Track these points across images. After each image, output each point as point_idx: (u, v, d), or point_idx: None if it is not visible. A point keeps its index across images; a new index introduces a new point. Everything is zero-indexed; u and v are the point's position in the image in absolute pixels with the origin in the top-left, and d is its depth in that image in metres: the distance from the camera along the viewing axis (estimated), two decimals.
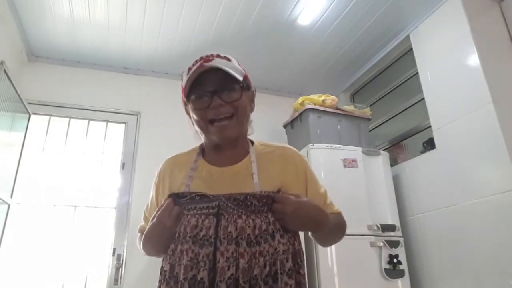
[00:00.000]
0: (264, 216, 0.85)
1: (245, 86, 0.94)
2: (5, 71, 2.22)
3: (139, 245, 1.07)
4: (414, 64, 2.69)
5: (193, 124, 0.97)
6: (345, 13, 2.54)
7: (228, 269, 0.78)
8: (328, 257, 2.21)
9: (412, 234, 2.51)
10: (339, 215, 1.04)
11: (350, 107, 2.91)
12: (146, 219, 1.08)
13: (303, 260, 0.92)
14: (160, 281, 0.89)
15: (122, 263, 2.56)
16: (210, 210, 0.85)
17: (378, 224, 2.33)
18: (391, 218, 2.44)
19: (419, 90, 2.63)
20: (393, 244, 2.32)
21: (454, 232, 2.20)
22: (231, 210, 0.84)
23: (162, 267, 0.90)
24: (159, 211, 0.90)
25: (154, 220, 0.91)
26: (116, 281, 2.52)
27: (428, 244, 2.39)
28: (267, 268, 0.80)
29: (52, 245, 2.54)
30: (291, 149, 1.04)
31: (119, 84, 3.09)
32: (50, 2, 2.35)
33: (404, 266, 2.31)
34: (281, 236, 0.85)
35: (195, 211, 0.87)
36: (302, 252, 0.92)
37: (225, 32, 2.69)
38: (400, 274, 2.28)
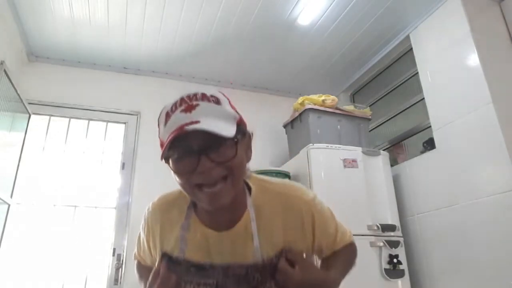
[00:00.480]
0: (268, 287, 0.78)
1: (240, 135, 0.74)
2: (5, 71, 2.22)
3: (139, 280, 1.03)
4: (414, 64, 2.69)
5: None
6: (345, 13, 2.54)
7: None
8: None
9: (412, 234, 2.51)
10: (350, 246, 0.98)
11: (350, 107, 2.91)
12: (139, 255, 1.03)
13: None
14: None
15: (122, 263, 2.56)
16: None
17: (378, 224, 2.33)
18: (391, 218, 2.44)
19: (419, 90, 2.63)
20: (393, 244, 2.32)
21: (454, 232, 2.20)
22: None
23: None
24: (156, 285, 0.78)
25: None
26: (116, 281, 2.52)
27: (428, 244, 2.39)
28: None
29: (52, 245, 2.54)
30: (295, 197, 0.86)
31: (119, 84, 3.09)
32: (50, 2, 2.35)
33: (404, 266, 2.31)
34: None
35: (191, 286, 0.78)
36: None
37: (225, 32, 2.69)
38: (400, 274, 2.28)
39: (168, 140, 0.68)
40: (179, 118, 0.69)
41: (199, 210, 0.85)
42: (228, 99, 0.77)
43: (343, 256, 0.94)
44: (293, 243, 0.82)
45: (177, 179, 0.74)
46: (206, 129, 0.66)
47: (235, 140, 0.71)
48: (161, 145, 0.74)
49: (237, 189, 0.78)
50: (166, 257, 0.82)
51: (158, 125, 0.78)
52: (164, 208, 0.89)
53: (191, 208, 0.85)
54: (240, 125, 0.75)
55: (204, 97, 0.73)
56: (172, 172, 0.74)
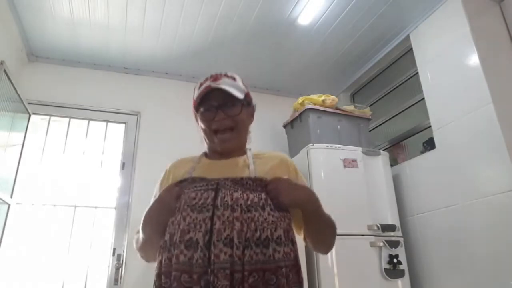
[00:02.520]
0: (258, 193, 0.94)
1: (245, 103, 1.08)
2: (5, 71, 2.22)
3: (135, 243, 1.09)
4: (414, 64, 2.69)
5: (199, 130, 1.11)
6: (345, 13, 2.54)
7: (224, 230, 0.86)
8: (328, 257, 2.21)
9: (412, 234, 2.51)
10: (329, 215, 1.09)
11: (350, 107, 2.91)
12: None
13: (294, 239, 0.97)
14: (160, 251, 0.94)
15: (122, 263, 2.56)
16: (209, 186, 0.94)
17: (378, 224, 2.33)
18: (391, 218, 2.44)
19: (419, 90, 2.63)
20: (393, 244, 2.32)
21: (454, 232, 2.20)
22: (228, 187, 0.93)
23: (162, 242, 0.95)
24: (161, 192, 1.00)
25: (156, 200, 1.00)
26: (116, 281, 2.52)
27: (428, 244, 2.39)
28: (258, 233, 0.88)
29: (52, 245, 2.54)
30: (284, 156, 1.14)
31: (119, 84, 3.09)
32: (50, 2, 2.35)
33: (404, 266, 2.31)
34: (271, 209, 0.92)
35: (195, 188, 0.95)
36: (293, 232, 0.98)
37: (225, 32, 2.69)
38: (400, 274, 2.28)
39: (200, 95, 1.03)
40: (207, 86, 1.03)
41: (209, 155, 1.13)
42: (242, 79, 1.11)
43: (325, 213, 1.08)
44: None
45: (202, 125, 1.07)
46: (224, 88, 1.01)
47: (242, 102, 1.05)
48: (194, 103, 1.09)
49: (240, 140, 1.09)
50: (174, 183, 1.02)
51: (194, 92, 1.09)
52: (180, 160, 1.16)
53: (203, 156, 1.14)
54: (247, 97, 1.10)
55: (225, 75, 1.07)
56: (199, 120, 1.08)
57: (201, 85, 1.06)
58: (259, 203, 0.91)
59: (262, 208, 0.91)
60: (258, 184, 0.96)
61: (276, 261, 0.87)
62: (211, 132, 1.06)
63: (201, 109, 1.06)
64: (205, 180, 0.97)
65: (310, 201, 1.00)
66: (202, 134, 1.10)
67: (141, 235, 1.02)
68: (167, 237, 0.93)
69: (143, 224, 1.00)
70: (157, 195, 1.08)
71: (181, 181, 1.00)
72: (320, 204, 1.02)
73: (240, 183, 0.95)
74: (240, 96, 1.04)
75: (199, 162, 1.11)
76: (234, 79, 1.08)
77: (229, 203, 0.89)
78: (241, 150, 1.11)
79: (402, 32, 2.77)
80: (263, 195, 0.94)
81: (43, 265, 2.48)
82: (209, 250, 0.85)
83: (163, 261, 0.91)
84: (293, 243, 0.96)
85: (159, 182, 1.14)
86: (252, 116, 1.15)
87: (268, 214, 0.91)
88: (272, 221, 0.91)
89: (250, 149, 1.13)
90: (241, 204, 0.90)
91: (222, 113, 1.03)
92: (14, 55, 2.64)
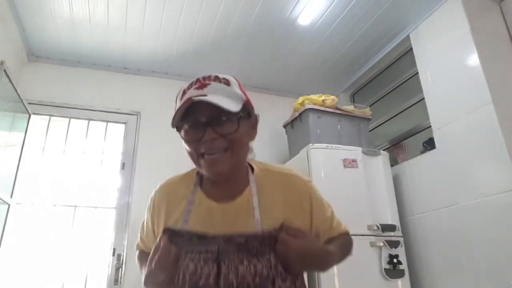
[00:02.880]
0: (266, 259, 0.80)
1: (244, 114, 0.84)
2: (5, 71, 2.22)
3: (139, 266, 1.03)
4: (414, 64, 2.69)
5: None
6: (345, 13, 2.54)
7: None
8: None
9: (412, 234, 2.51)
10: (346, 235, 1.01)
11: (350, 107, 2.91)
12: (142, 240, 1.05)
13: None
14: None
15: (122, 263, 2.56)
16: (209, 255, 0.80)
17: (378, 224, 2.33)
18: (391, 218, 2.43)
19: (419, 90, 2.63)
20: (393, 244, 2.32)
21: (454, 232, 2.20)
22: (232, 255, 0.79)
23: None
24: (158, 255, 0.83)
25: (153, 265, 0.83)
26: (116, 281, 2.52)
27: (428, 244, 2.39)
28: None
29: (52, 245, 2.54)
30: (294, 176, 0.94)
31: (119, 84, 3.09)
32: (50, 2, 2.35)
33: (404, 266, 2.31)
34: (282, 280, 0.80)
35: (193, 255, 0.81)
36: None
37: (225, 32, 2.69)
38: (400, 274, 2.28)
39: (177, 108, 0.79)
40: (191, 93, 0.80)
41: (204, 185, 0.91)
42: (238, 83, 0.86)
43: (340, 242, 0.97)
44: (292, 220, 0.85)
45: (186, 147, 0.83)
46: (210, 101, 0.75)
47: (238, 116, 0.80)
48: (173, 119, 0.81)
49: (237, 161, 0.85)
50: (168, 230, 0.86)
51: (176, 101, 0.86)
52: (171, 187, 0.96)
53: (197, 185, 0.92)
54: (246, 106, 0.85)
55: (216, 78, 0.83)
56: (182, 141, 0.83)
57: (184, 93, 0.83)
58: (268, 277, 0.78)
59: (272, 283, 0.78)
60: (266, 244, 0.81)
61: None
62: (198, 156, 0.82)
63: (185, 126, 0.81)
64: (204, 241, 0.81)
65: (323, 267, 0.90)
66: (188, 155, 0.86)
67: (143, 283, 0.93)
68: None
69: (145, 284, 0.90)
70: (149, 223, 0.97)
71: (174, 233, 0.84)
72: (334, 258, 0.90)
73: (245, 248, 0.79)
74: (235, 108, 0.79)
75: (194, 201, 0.89)
76: (227, 83, 0.83)
77: (234, 284, 0.76)
78: (240, 176, 0.89)
79: (402, 32, 2.76)
80: (273, 260, 0.80)
81: (43, 265, 2.48)
82: None
83: None
84: None
85: (148, 211, 0.98)
86: (254, 129, 0.90)
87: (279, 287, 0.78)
88: None
89: (252, 169, 0.93)
90: (248, 284, 0.76)
91: (212, 131, 0.78)
92: (14, 55, 2.64)
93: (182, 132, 0.82)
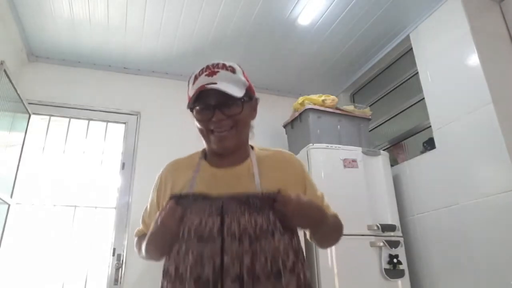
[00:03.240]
0: (266, 215, 0.87)
1: (246, 99, 0.97)
2: (5, 71, 2.22)
3: (137, 250, 1.07)
4: (414, 64, 2.69)
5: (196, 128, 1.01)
6: (345, 13, 2.54)
7: (233, 265, 0.81)
8: (328, 257, 2.21)
9: (412, 234, 2.51)
10: (335, 217, 1.06)
11: (350, 107, 2.91)
12: (145, 223, 1.09)
13: (304, 257, 0.93)
14: (164, 282, 0.89)
15: (122, 263, 2.56)
16: (213, 209, 0.87)
17: (378, 224, 2.33)
18: (391, 218, 2.44)
19: (419, 90, 2.63)
20: (393, 244, 2.32)
21: (454, 232, 2.20)
22: (234, 209, 0.86)
23: (165, 269, 0.90)
24: (163, 214, 0.90)
25: (158, 223, 0.90)
26: (116, 281, 2.52)
27: (428, 244, 2.39)
28: (269, 265, 0.82)
29: (52, 245, 2.54)
30: (289, 153, 1.07)
31: (119, 84, 3.09)
32: (50, 2, 2.35)
33: (404, 266, 2.31)
34: (281, 234, 0.87)
35: (198, 210, 0.88)
36: (302, 250, 0.94)
37: (225, 32, 2.69)
38: (400, 274, 2.28)
39: (194, 94, 0.91)
40: (203, 80, 0.92)
41: (209, 158, 1.03)
42: (242, 70, 1.01)
43: (332, 219, 1.02)
44: (288, 189, 0.92)
45: (198, 125, 0.97)
46: (220, 89, 0.89)
47: (242, 100, 0.94)
48: (189, 99, 0.95)
49: (241, 138, 0.99)
50: (173, 195, 0.93)
51: (188, 84, 0.99)
52: (177, 163, 1.07)
53: (202, 158, 1.04)
54: (249, 91, 0.98)
55: (224, 66, 0.97)
56: (194, 119, 0.97)
57: (196, 78, 0.96)
58: (268, 229, 0.86)
59: (272, 235, 0.86)
60: (266, 202, 0.89)
61: None
62: (208, 133, 0.96)
63: (197, 108, 0.95)
64: (208, 200, 0.89)
65: (317, 222, 0.94)
66: (198, 132, 1.01)
67: (144, 249, 0.98)
68: (172, 268, 0.88)
69: (147, 245, 0.95)
70: (154, 201, 1.05)
71: (180, 196, 0.92)
72: (328, 220, 0.97)
73: (247, 203, 0.88)
74: (240, 94, 0.92)
75: (199, 169, 1.00)
76: (233, 70, 0.98)
77: (237, 234, 0.83)
78: (242, 149, 1.01)
79: (402, 32, 2.76)
80: (271, 217, 0.88)
81: (43, 265, 2.48)
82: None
83: None
84: (304, 259, 0.91)
85: (155, 187, 1.06)
86: (255, 110, 1.04)
87: (279, 241, 0.86)
88: (284, 248, 0.86)
89: (252, 148, 1.05)
90: (249, 234, 0.84)
91: (220, 113, 0.92)
92: (14, 55, 2.64)
93: (195, 112, 0.96)
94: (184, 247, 0.86)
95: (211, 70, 0.95)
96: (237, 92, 0.92)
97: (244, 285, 0.79)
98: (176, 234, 0.88)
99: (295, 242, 0.92)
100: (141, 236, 1.10)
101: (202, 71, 0.96)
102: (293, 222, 0.90)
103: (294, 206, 0.87)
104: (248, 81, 1.00)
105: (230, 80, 0.94)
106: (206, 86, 0.90)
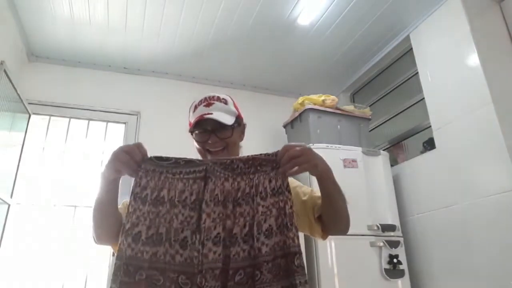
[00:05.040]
0: (250, 178, 0.92)
1: (236, 125, 1.15)
2: (5, 71, 2.22)
3: (92, 219, 1.06)
4: (414, 64, 2.69)
5: (195, 147, 1.18)
6: (345, 13, 2.54)
7: (215, 228, 0.87)
8: (328, 257, 2.21)
9: (412, 234, 2.51)
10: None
11: (350, 107, 2.91)
12: None
13: (292, 222, 0.89)
14: (125, 240, 0.87)
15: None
16: (197, 174, 0.93)
17: (378, 224, 2.33)
18: (391, 218, 2.44)
19: (419, 90, 2.63)
20: (393, 244, 2.32)
21: (454, 232, 2.20)
22: (218, 173, 0.92)
23: (130, 227, 0.88)
24: (123, 148, 0.94)
25: (113, 155, 0.92)
26: None
27: (428, 244, 2.39)
28: (247, 228, 0.88)
29: (52, 245, 2.54)
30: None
31: (119, 84, 3.09)
32: (50, 2, 2.35)
33: (404, 266, 2.31)
34: (261, 199, 0.90)
35: (181, 175, 0.93)
36: (292, 215, 0.90)
37: (225, 32, 2.69)
38: (400, 274, 2.28)
39: (194, 121, 1.11)
40: (201, 110, 1.12)
41: None
42: (233, 101, 1.20)
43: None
44: None
45: (197, 145, 1.15)
46: (216, 119, 1.09)
47: (232, 127, 1.13)
48: (190, 125, 1.15)
49: (232, 156, 1.09)
50: (154, 156, 0.96)
51: (189, 111, 1.18)
52: None
53: None
54: (238, 118, 1.17)
55: (218, 98, 1.16)
56: (194, 141, 1.16)
57: (195, 107, 1.14)
58: (250, 193, 0.91)
59: (252, 199, 0.90)
60: (250, 165, 0.93)
61: (263, 255, 0.86)
62: (205, 152, 1.14)
63: (196, 132, 1.13)
64: (191, 164, 0.94)
65: (328, 169, 1.02)
66: (197, 152, 1.17)
67: (95, 203, 1.00)
68: (153, 229, 0.88)
69: (94, 212, 1.00)
70: None
71: (161, 158, 0.95)
72: (327, 166, 1.05)
73: (230, 167, 0.93)
74: (231, 122, 1.11)
75: None
76: (226, 102, 1.16)
77: (220, 198, 0.89)
78: None
79: (402, 32, 2.76)
80: (255, 180, 0.91)
81: (43, 265, 2.48)
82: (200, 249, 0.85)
83: (145, 253, 0.86)
84: (288, 228, 0.88)
85: None
86: (243, 133, 1.23)
87: (258, 204, 0.90)
88: (262, 212, 0.89)
89: None
90: (233, 198, 0.90)
91: (215, 136, 1.11)
92: (14, 55, 2.63)
93: (194, 136, 1.15)
94: (169, 212, 0.89)
95: (208, 101, 1.14)
96: (228, 120, 1.11)
97: (222, 246, 0.85)
98: (129, 173, 0.93)
99: (286, 207, 0.90)
100: None
101: (200, 102, 1.14)
102: (308, 164, 0.92)
103: (293, 147, 0.92)
104: (238, 110, 1.19)
105: (223, 110, 1.13)
106: (204, 116, 1.09)
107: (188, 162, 0.94)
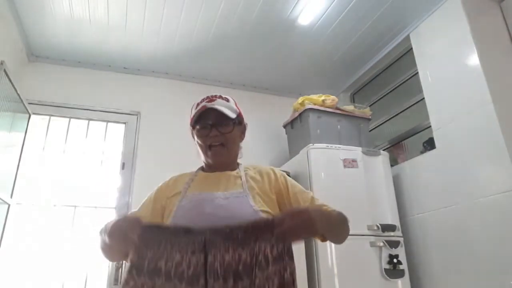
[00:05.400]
0: (251, 247, 0.87)
1: (237, 122, 1.18)
2: (5, 71, 2.22)
3: (100, 244, 1.03)
4: (414, 64, 2.69)
5: (196, 145, 1.20)
6: (345, 13, 2.54)
7: None
8: (328, 257, 2.21)
9: (412, 234, 2.51)
10: (333, 211, 1.09)
11: (350, 107, 2.91)
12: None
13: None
14: None
15: (122, 263, 2.55)
16: (196, 246, 0.87)
17: (378, 224, 2.33)
18: (391, 218, 2.43)
19: (419, 90, 2.63)
20: (393, 244, 2.32)
21: (454, 232, 2.20)
22: (218, 245, 0.87)
23: None
24: (121, 223, 0.91)
25: (112, 229, 0.91)
26: (116, 281, 2.51)
27: (428, 244, 2.39)
28: None
29: (52, 245, 2.54)
30: (272, 168, 1.23)
31: (119, 84, 3.09)
32: (50, 2, 2.35)
33: (404, 266, 2.31)
34: (262, 269, 0.85)
35: (180, 246, 0.88)
36: (293, 281, 0.88)
37: (225, 32, 2.69)
38: (400, 274, 2.28)
39: (197, 114, 1.13)
40: (202, 107, 1.13)
41: (205, 169, 1.22)
42: (235, 101, 1.23)
43: (332, 212, 1.07)
44: (270, 186, 1.12)
45: (198, 141, 1.17)
46: (218, 108, 1.12)
47: (234, 122, 1.16)
48: (191, 121, 1.17)
49: (231, 155, 1.19)
50: (152, 225, 0.96)
51: (191, 110, 1.19)
52: (178, 176, 1.22)
53: (199, 170, 1.23)
54: (239, 117, 1.20)
55: (220, 96, 1.18)
56: (195, 136, 1.18)
57: (197, 105, 1.17)
58: (250, 264, 0.85)
59: (252, 271, 0.85)
60: (250, 233, 0.87)
61: None
62: (205, 147, 1.15)
63: (197, 127, 1.16)
64: (191, 234, 0.89)
65: (317, 229, 0.93)
66: (198, 148, 1.19)
67: (106, 240, 0.97)
68: None
69: (108, 237, 0.95)
70: (152, 199, 1.16)
71: (160, 228, 0.94)
72: (328, 216, 1.02)
73: (231, 237, 0.87)
74: (232, 115, 1.14)
75: (196, 175, 1.19)
76: (227, 100, 1.19)
77: (220, 272, 0.84)
78: (232, 164, 1.20)
79: (402, 32, 2.76)
80: (256, 249, 0.86)
81: (43, 265, 2.47)
82: None
83: None
84: None
85: (157, 187, 1.19)
86: (243, 133, 1.25)
87: (255, 276, 0.84)
88: (263, 284, 0.84)
89: (241, 164, 1.23)
90: (234, 271, 0.84)
91: (216, 130, 1.13)
92: (14, 55, 2.63)
93: (196, 131, 1.17)
94: (161, 283, 0.85)
95: (210, 98, 1.17)
96: (230, 114, 1.14)
97: None
98: (123, 253, 0.90)
99: (285, 274, 0.86)
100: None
101: (202, 100, 1.17)
102: (297, 236, 0.90)
103: (292, 226, 0.86)
104: (239, 109, 1.22)
105: (225, 105, 1.15)
106: (206, 106, 1.12)
107: (187, 232, 0.89)
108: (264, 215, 1.00)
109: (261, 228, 0.88)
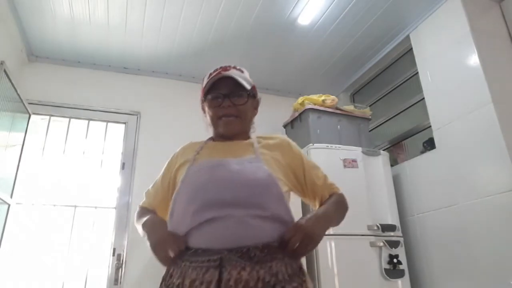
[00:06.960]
0: (268, 266, 0.86)
1: (251, 94, 1.13)
2: (5, 71, 2.22)
3: (136, 221, 1.17)
4: (414, 64, 2.69)
5: (207, 117, 1.16)
6: (345, 13, 2.54)
7: None
8: (328, 257, 2.21)
9: (412, 234, 2.51)
10: (341, 195, 1.20)
11: (350, 107, 2.91)
12: (148, 193, 1.23)
13: None
14: None
15: (122, 263, 2.55)
16: (212, 263, 0.86)
17: (378, 224, 2.33)
18: (391, 218, 2.43)
19: (419, 90, 2.63)
20: (393, 244, 2.32)
21: (454, 232, 2.20)
22: (234, 262, 0.85)
23: None
24: (165, 240, 0.94)
25: (154, 246, 0.94)
26: (116, 281, 2.51)
27: (428, 244, 2.39)
28: None
29: (52, 245, 2.54)
30: (286, 138, 1.19)
31: (119, 84, 3.09)
32: (50, 2, 2.35)
33: (404, 266, 2.31)
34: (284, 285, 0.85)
35: (196, 263, 0.87)
36: None
37: (225, 32, 2.69)
38: (400, 274, 2.28)
39: (210, 82, 1.08)
40: (217, 73, 1.09)
41: (215, 139, 1.17)
42: (248, 74, 1.19)
43: (336, 199, 1.16)
44: (284, 157, 1.09)
45: (209, 112, 1.11)
46: (233, 77, 1.07)
47: (248, 93, 1.11)
48: (202, 91, 1.12)
49: (243, 126, 1.14)
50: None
51: (202, 82, 1.14)
52: (189, 144, 1.20)
53: (209, 139, 1.19)
54: (253, 90, 1.16)
55: (234, 67, 1.15)
56: (206, 107, 1.13)
57: (210, 74, 1.11)
58: (270, 283, 0.83)
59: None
60: (267, 253, 0.87)
61: None
62: (217, 118, 1.10)
63: (209, 96, 1.10)
64: (207, 253, 0.88)
65: (320, 239, 0.96)
66: (208, 120, 1.14)
67: (140, 230, 1.08)
68: None
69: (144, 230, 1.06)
70: (163, 173, 1.16)
71: (188, 248, 0.93)
72: (333, 215, 1.09)
73: (247, 256, 0.85)
74: (248, 86, 1.09)
75: (206, 143, 1.16)
76: (242, 71, 1.16)
77: None
78: (244, 134, 1.15)
79: (402, 32, 2.76)
80: (274, 268, 0.86)
81: (43, 265, 2.47)
82: None
83: None
84: None
85: (168, 163, 1.17)
86: (256, 108, 1.20)
87: None
88: None
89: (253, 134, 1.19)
90: None
91: (229, 101, 1.08)
92: (14, 55, 2.63)
93: (207, 101, 1.11)
94: None
95: (224, 68, 1.12)
96: (246, 84, 1.08)
97: None
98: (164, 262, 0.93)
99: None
100: (143, 211, 1.20)
101: (216, 70, 1.12)
102: (312, 246, 0.92)
103: (301, 236, 0.89)
104: (253, 82, 1.17)
105: (239, 76, 1.09)
106: (222, 72, 1.07)
107: (206, 250, 0.89)
108: (279, 183, 0.99)
109: (275, 249, 0.89)
